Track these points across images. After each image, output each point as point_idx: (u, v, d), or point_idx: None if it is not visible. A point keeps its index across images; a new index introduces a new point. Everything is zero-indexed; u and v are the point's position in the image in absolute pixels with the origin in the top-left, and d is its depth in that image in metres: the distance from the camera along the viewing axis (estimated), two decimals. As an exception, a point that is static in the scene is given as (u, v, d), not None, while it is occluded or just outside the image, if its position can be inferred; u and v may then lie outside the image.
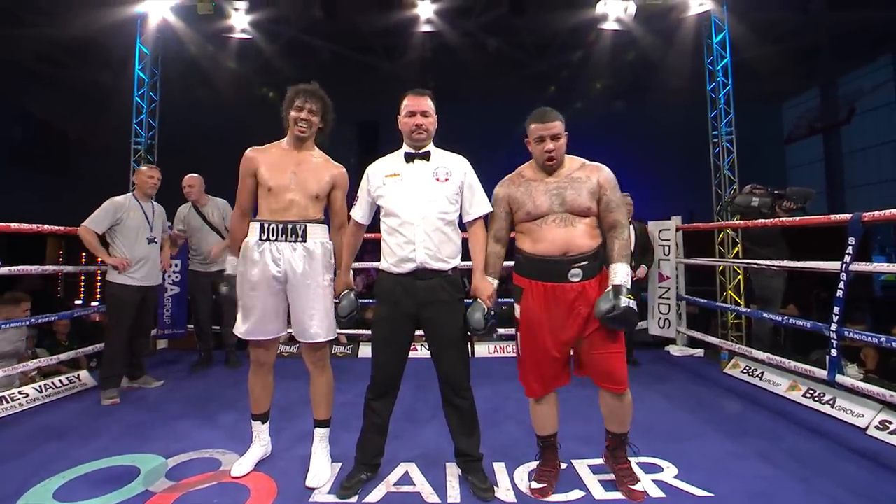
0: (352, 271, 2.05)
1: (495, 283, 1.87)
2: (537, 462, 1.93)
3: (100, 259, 3.03)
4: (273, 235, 1.90)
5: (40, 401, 2.87)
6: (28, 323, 3.21)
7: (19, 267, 2.99)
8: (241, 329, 1.98)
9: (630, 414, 1.83)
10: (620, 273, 1.69)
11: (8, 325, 3.02)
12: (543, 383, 1.82)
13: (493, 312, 1.81)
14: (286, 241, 1.90)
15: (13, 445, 2.29)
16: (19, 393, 2.83)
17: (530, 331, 1.79)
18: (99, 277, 7.37)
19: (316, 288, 1.93)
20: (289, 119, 1.96)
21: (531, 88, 9.80)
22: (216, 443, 2.27)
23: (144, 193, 3.13)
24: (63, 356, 3.37)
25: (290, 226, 1.90)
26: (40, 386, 2.95)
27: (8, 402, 2.74)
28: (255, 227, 1.94)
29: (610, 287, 1.69)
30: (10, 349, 3.23)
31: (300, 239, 1.91)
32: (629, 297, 1.65)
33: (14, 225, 2.89)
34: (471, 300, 1.84)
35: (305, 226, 1.91)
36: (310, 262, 1.92)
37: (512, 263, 1.88)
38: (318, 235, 1.95)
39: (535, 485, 1.86)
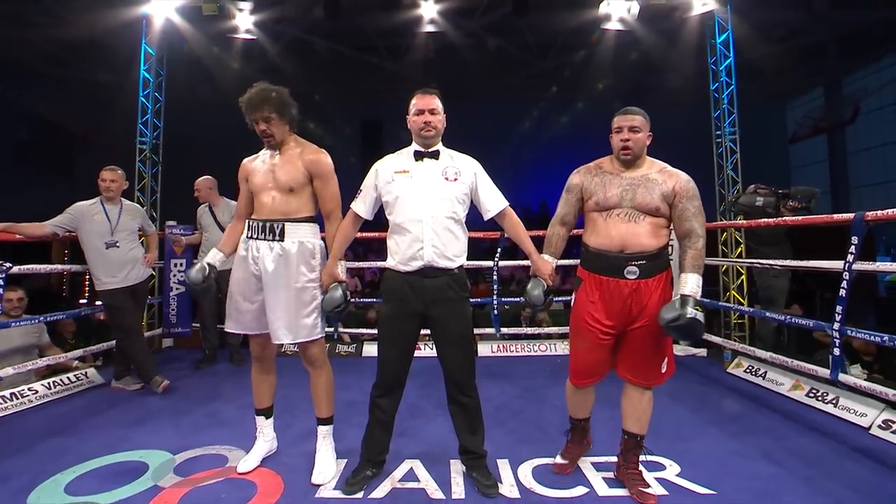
0: (346, 270, 2.02)
1: (554, 262, 1.89)
2: (566, 440, 2.03)
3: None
4: (254, 234, 1.94)
5: (49, 397, 2.91)
6: (37, 321, 3.24)
7: (28, 266, 3.02)
8: (227, 323, 2.04)
9: (649, 413, 1.84)
10: (691, 283, 1.65)
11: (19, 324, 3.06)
12: (589, 373, 1.84)
13: (550, 289, 1.85)
14: (264, 239, 1.92)
15: (25, 440, 2.32)
16: (29, 389, 2.87)
17: (583, 320, 1.80)
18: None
19: (286, 289, 1.90)
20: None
21: (534, 88, 9.80)
22: (222, 439, 2.30)
23: (106, 197, 3.05)
24: (70, 354, 3.40)
25: (268, 224, 1.92)
26: (49, 383, 2.99)
27: (18, 399, 2.78)
28: (245, 226, 2.01)
29: (678, 296, 1.65)
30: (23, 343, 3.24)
31: (278, 238, 1.91)
32: (697, 309, 1.60)
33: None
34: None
35: (283, 224, 1.91)
36: (283, 262, 1.90)
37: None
38: (298, 234, 1.92)
39: (558, 459, 1.97)
